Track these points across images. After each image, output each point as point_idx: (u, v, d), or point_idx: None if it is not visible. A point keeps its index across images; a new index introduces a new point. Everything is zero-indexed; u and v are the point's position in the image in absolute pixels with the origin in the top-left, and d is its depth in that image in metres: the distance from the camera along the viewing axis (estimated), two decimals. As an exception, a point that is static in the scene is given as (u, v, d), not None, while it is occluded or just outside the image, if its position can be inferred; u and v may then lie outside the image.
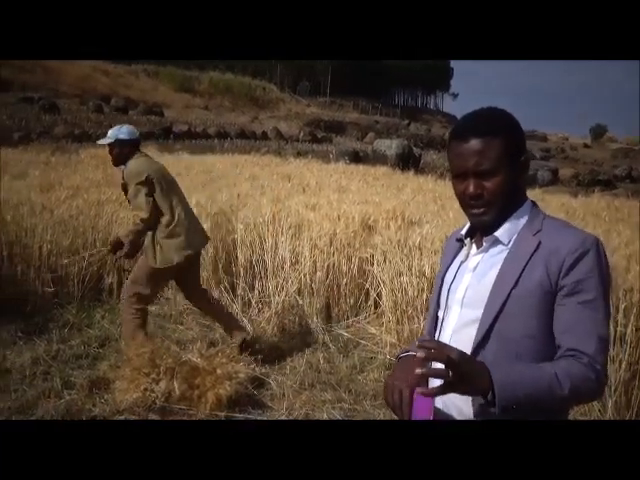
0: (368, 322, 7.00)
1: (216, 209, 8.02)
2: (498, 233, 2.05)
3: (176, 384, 4.95)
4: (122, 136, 5.69)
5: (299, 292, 7.14)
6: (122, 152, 5.70)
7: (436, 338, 2.15)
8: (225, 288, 7.43)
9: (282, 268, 7.26)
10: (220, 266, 7.60)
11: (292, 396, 5.42)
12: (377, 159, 23.43)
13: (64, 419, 4.77)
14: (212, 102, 61.45)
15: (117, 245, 5.67)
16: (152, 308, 7.34)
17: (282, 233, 7.40)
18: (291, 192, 10.18)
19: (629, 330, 5.25)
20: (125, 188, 5.72)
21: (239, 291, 7.38)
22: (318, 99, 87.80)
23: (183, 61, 69.79)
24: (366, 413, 5.22)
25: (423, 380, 1.98)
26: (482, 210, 2.02)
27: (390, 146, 24.88)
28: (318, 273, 7.09)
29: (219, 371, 5.06)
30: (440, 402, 2.03)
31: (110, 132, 5.77)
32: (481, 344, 1.97)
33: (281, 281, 7.15)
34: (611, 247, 6.73)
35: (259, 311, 7.17)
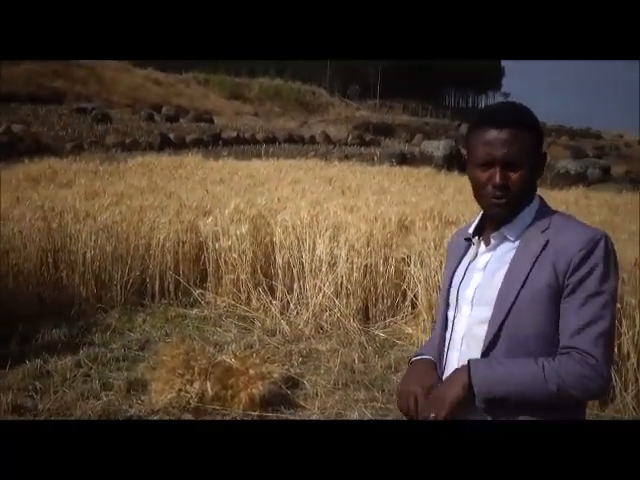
0: (405, 322, 7.02)
1: (255, 212, 8.10)
2: (505, 230, 2.04)
3: (209, 385, 5.04)
4: None
5: (337, 293, 7.18)
6: None
7: (447, 338, 2.16)
8: (264, 290, 7.51)
9: (320, 270, 7.31)
10: (259, 268, 7.67)
11: (325, 396, 5.47)
12: (424, 161, 23.36)
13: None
14: (262, 108, 61.79)
15: None
16: (192, 311, 7.48)
17: (320, 235, 7.44)
18: (331, 195, 10.22)
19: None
20: None
21: (277, 293, 7.45)
22: (368, 102, 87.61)
23: (233, 68, 70.43)
24: (398, 412, 5.23)
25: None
26: (504, 202, 2.00)
27: (437, 147, 24.80)
28: (355, 274, 7.12)
29: (252, 371, 5.14)
30: None
31: None
32: (492, 343, 1.97)
33: (318, 283, 7.21)
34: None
35: (297, 313, 7.24)
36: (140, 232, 7.92)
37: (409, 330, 6.83)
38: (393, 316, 7.17)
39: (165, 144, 26.64)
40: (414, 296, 7.05)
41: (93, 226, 7.71)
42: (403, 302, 7.20)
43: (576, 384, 1.85)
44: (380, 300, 7.21)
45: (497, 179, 1.98)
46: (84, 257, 7.49)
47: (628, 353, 5.19)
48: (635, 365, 5.20)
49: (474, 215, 2.16)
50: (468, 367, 1.94)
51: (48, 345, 6.26)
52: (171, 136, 28.62)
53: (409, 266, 7.08)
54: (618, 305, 4.82)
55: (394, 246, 7.27)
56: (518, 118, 1.99)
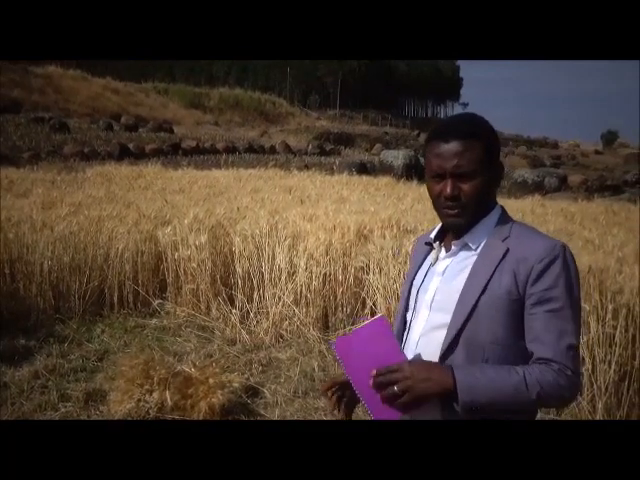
0: (365, 330, 7.05)
1: (214, 222, 8.10)
2: (467, 238, 2.07)
3: (169, 394, 5.03)
4: None
5: (296, 302, 7.20)
6: None
7: (404, 340, 2.20)
8: (223, 299, 7.51)
9: (279, 279, 7.33)
10: (218, 278, 7.67)
11: (285, 404, 5.49)
12: (384, 170, 23.48)
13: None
14: (222, 118, 61.66)
15: None
16: (151, 321, 7.45)
17: (279, 244, 7.46)
18: (290, 204, 10.24)
19: (618, 331, 5.29)
20: None
21: (237, 302, 7.45)
22: (328, 112, 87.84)
23: (193, 78, 70.16)
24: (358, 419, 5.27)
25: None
26: (456, 212, 2.04)
27: (397, 157, 24.92)
28: (314, 283, 7.15)
29: (211, 381, 5.14)
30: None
31: None
32: (449, 349, 1.99)
33: (278, 292, 7.23)
34: (604, 249, 6.78)
35: (257, 322, 7.25)
36: (98, 242, 7.88)
37: (369, 338, 6.87)
38: (352, 324, 7.20)
39: (124, 154, 26.40)
40: (373, 304, 7.08)
41: (50, 236, 7.64)
42: (362, 310, 7.23)
43: (554, 393, 1.88)
44: (339, 308, 7.26)
45: (448, 190, 2.01)
46: (41, 267, 7.42)
47: (583, 358, 5.28)
48: (590, 370, 5.30)
49: (432, 224, 2.20)
50: (452, 374, 1.90)
51: (5, 356, 6.19)
52: (130, 146, 28.36)
53: (368, 274, 7.11)
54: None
55: (353, 255, 7.31)
56: (469, 129, 2.02)
